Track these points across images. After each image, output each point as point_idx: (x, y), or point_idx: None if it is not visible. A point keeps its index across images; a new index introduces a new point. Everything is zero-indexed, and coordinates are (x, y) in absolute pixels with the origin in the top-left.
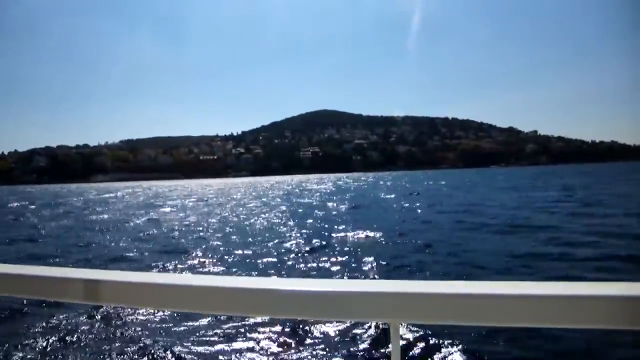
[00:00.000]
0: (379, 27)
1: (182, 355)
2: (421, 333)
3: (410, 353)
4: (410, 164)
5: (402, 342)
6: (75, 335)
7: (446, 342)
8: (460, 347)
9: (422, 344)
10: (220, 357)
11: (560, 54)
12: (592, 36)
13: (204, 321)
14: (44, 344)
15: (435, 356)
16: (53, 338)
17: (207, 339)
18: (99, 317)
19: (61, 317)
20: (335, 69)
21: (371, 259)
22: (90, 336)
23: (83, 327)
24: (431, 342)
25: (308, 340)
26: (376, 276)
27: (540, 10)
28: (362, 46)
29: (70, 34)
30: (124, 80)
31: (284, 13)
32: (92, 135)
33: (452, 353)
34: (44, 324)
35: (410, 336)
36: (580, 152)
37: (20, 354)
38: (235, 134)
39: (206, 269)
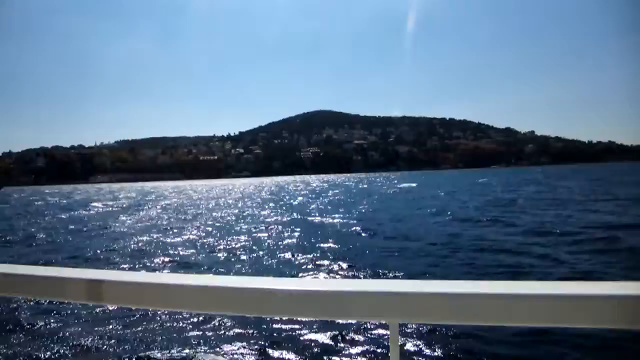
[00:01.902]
0: (374, 27)
1: (184, 354)
2: (421, 333)
3: (410, 353)
4: (412, 165)
5: (401, 342)
6: (78, 336)
7: (446, 342)
8: (459, 346)
9: (421, 344)
10: (221, 355)
11: (556, 54)
12: (588, 36)
13: (205, 320)
14: (47, 344)
15: (434, 356)
16: (56, 338)
17: (209, 338)
18: (102, 317)
19: (64, 317)
20: (331, 70)
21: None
22: (93, 336)
23: (86, 327)
24: (431, 341)
25: (308, 340)
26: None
27: (535, 11)
28: (357, 46)
29: (63, 34)
30: (117, 80)
31: (278, 12)
32: (87, 135)
33: (452, 353)
34: (47, 324)
35: (409, 336)
36: (579, 152)
37: (24, 354)
38: (232, 134)
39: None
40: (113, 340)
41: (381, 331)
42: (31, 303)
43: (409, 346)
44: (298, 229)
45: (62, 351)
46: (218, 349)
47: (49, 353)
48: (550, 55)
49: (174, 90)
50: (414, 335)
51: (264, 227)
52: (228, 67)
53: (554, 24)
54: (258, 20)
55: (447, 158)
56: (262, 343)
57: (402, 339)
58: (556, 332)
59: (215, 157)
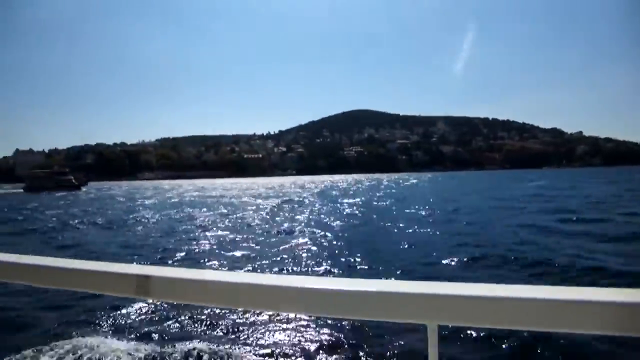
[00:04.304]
0: (413, 26)
1: (226, 349)
2: (459, 336)
3: (448, 355)
4: (457, 165)
5: (439, 344)
6: (126, 328)
7: (484, 347)
8: (499, 351)
9: (459, 347)
10: (261, 351)
11: (605, 52)
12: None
13: (248, 317)
14: (96, 335)
15: (472, 359)
16: (104, 329)
17: (251, 334)
18: (149, 311)
19: (113, 310)
20: (370, 69)
21: None
22: (139, 329)
23: (134, 321)
24: (469, 345)
25: (346, 339)
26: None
27: (583, 4)
28: (394, 46)
29: (102, 36)
30: (156, 79)
31: (315, 11)
32: (128, 133)
33: (491, 357)
34: (97, 316)
35: (447, 338)
36: (632, 154)
37: (74, 343)
38: (272, 132)
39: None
40: (157, 334)
41: (419, 333)
42: (82, 295)
43: (447, 349)
44: None
45: (109, 341)
46: (256, 346)
47: (98, 343)
48: (599, 53)
49: (210, 89)
50: (453, 338)
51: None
52: (266, 65)
53: (597, 20)
54: (296, 19)
55: (492, 158)
56: (302, 341)
57: (440, 341)
58: (599, 339)
59: (260, 155)
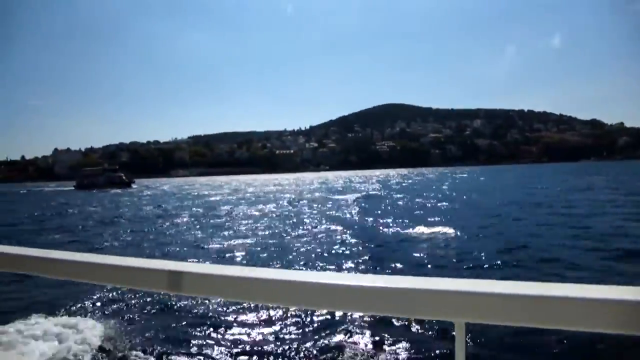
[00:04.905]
0: (447, 20)
1: (255, 344)
2: (487, 334)
3: (475, 353)
4: (491, 158)
5: (467, 342)
6: (159, 321)
7: (510, 344)
8: (525, 349)
9: (487, 345)
10: (288, 346)
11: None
12: None
13: (277, 313)
14: (130, 328)
15: (500, 358)
16: (137, 322)
17: (278, 330)
18: (181, 305)
19: (147, 304)
20: (401, 63)
21: None
22: (172, 323)
23: (167, 315)
24: (497, 343)
25: (372, 335)
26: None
27: None
28: (430, 40)
29: (133, 36)
30: (187, 78)
31: (345, 4)
32: (161, 131)
33: (519, 356)
34: (132, 310)
35: (475, 336)
36: None
37: (111, 336)
38: (303, 128)
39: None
40: (188, 327)
41: (447, 331)
42: (115, 290)
43: (475, 347)
44: None
45: (143, 335)
46: (283, 341)
47: (131, 336)
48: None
49: (240, 86)
50: (480, 336)
51: None
52: (295, 62)
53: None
54: (327, 14)
55: (529, 151)
56: (331, 337)
57: (468, 339)
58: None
59: (292, 151)
